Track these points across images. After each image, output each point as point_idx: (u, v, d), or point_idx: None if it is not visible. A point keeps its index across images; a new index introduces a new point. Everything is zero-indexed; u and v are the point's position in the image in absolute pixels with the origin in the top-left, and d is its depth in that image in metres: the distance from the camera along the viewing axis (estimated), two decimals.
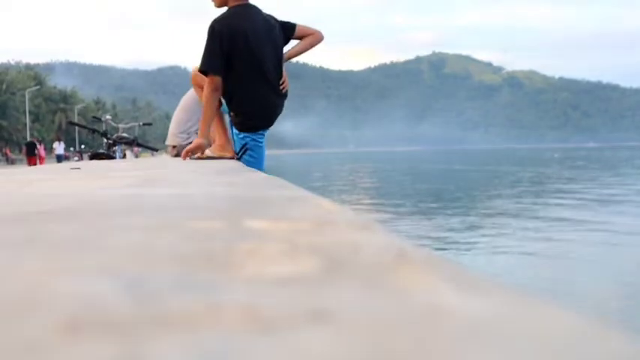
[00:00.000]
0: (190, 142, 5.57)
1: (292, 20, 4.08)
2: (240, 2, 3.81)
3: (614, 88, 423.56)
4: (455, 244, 9.71)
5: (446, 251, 8.74)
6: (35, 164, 26.55)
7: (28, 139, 52.13)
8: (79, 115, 61.64)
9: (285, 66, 4.01)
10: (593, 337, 0.32)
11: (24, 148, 27.50)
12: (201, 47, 3.75)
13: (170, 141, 5.72)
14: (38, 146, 30.67)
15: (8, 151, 50.02)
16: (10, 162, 44.53)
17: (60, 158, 29.56)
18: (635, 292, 6.59)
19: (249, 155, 3.95)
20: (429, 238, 10.17)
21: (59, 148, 31.24)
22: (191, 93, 5.71)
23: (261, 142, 4.01)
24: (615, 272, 7.65)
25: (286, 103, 4.06)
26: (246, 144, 3.95)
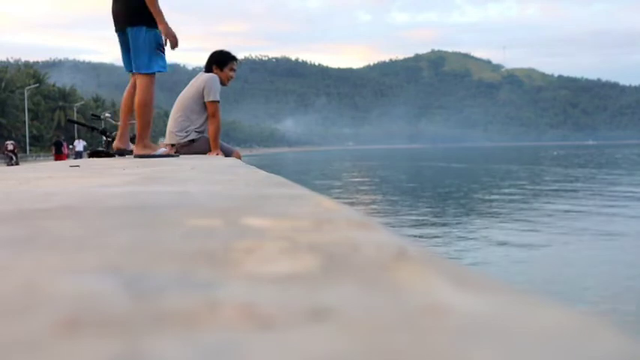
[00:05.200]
0: (189, 141, 5.58)
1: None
2: None
3: (613, 86, 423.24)
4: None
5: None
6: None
7: (27, 137, 52.27)
8: (78, 112, 61.50)
9: None
10: (591, 335, 0.32)
11: (52, 148, 29.81)
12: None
13: (168, 140, 5.70)
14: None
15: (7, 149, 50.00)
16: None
17: (80, 155, 30.85)
18: None
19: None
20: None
21: (79, 145, 32.81)
22: (188, 91, 5.69)
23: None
24: None
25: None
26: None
